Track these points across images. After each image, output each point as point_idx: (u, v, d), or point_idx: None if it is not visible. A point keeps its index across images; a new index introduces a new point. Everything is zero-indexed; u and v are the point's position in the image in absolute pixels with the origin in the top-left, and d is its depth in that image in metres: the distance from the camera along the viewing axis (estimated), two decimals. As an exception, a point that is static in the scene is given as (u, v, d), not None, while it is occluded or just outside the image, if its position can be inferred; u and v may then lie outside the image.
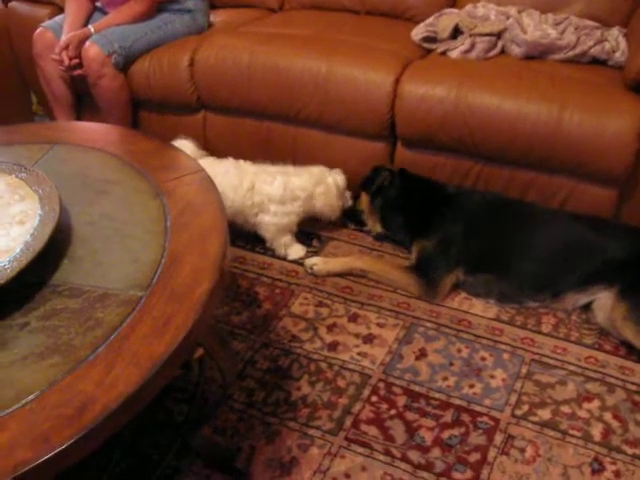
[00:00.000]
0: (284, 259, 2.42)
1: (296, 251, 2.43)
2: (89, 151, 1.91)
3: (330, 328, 2.10)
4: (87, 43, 2.66)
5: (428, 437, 1.74)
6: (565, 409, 1.82)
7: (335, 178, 2.42)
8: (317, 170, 2.42)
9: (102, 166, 1.83)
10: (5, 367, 1.21)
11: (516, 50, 2.41)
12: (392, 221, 2.42)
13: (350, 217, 2.56)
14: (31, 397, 1.14)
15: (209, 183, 1.69)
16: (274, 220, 2.38)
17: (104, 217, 1.61)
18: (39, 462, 1.03)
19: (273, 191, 2.35)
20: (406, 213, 2.39)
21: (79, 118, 3.03)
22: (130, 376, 1.17)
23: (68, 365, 1.20)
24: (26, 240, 1.44)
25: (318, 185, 2.37)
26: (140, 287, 1.37)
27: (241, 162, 2.45)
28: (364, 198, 2.49)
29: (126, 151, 1.90)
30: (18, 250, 1.40)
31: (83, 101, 2.99)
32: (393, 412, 1.81)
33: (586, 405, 1.83)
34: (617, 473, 1.65)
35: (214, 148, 2.68)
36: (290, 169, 2.43)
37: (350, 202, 2.51)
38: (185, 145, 2.38)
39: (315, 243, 2.50)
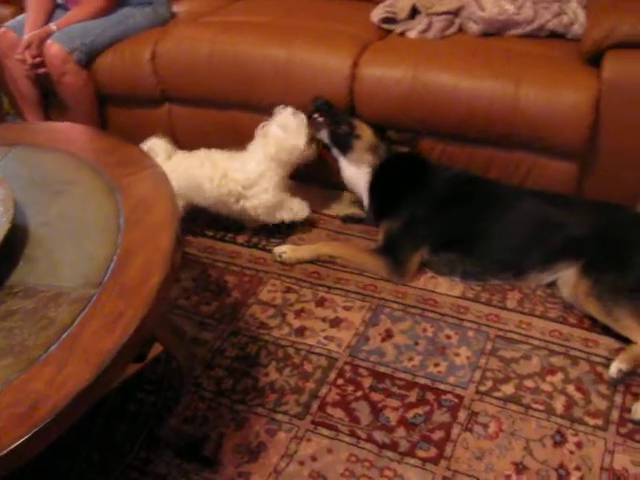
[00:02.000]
0: (254, 247, 2.44)
1: (300, 212, 2.43)
2: (47, 152, 1.93)
3: (298, 314, 2.12)
4: (48, 41, 2.67)
5: (393, 417, 1.77)
6: (529, 383, 1.85)
7: (280, 122, 2.33)
8: (275, 124, 2.35)
9: (60, 166, 1.85)
10: (-41, 369, 1.24)
11: (474, 27, 2.42)
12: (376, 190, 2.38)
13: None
14: (-17, 398, 1.16)
15: (162, 178, 1.71)
16: (255, 202, 2.37)
17: (60, 217, 1.63)
18: (-9, 460, 1.06)
19: (243, 177, 2.35)
20: (377, 193, 2.39)
21: (47, 116, 3.05)
22: (80, 373, 1.19)
23: (21, 365, 1.23)
24: (-20, 243, 1.46)
25: (268, 144, 2.33)
26: (92, 285, 1.39)
27: (212, 152, 2.44)
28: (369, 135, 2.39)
29: (83, 150, 1.92)
30: (-28, 253, 1.43)
31: (51, 99, 2.99)
32: (359, 394, 1.84)
33: (549, 378, 1.86)
34: (579, 444, 1.68)
35: (181, 140, 2.69)
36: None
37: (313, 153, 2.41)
38: (157, 144, 2.40)
39: (283, 230, 2.51)
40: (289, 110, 2.34)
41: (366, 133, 2.35)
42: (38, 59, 2.71)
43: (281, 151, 2.31)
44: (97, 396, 1.23)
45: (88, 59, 2.73)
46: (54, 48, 2.65)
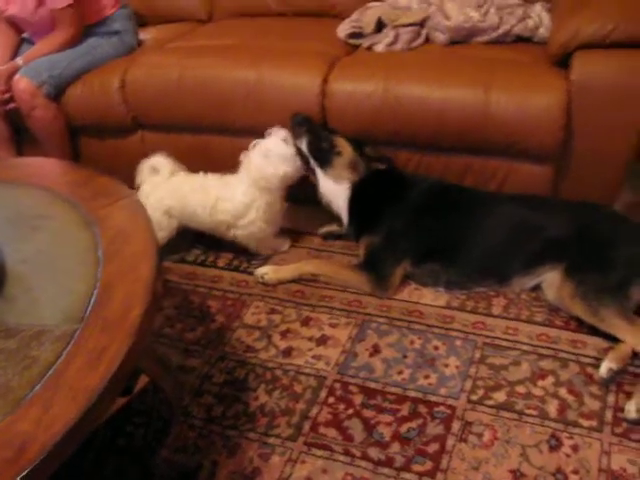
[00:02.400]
0: (235, 270, 2.42)
1: (282, 246, 2.49)
2: (21, 187, 1.90)
3: (284, 334, 2.11)
4: (16, 76, 2.66)
5: (387, 433, 1.76)
6: (520, 389, 1.84)
7: (263, 149, 2.31)
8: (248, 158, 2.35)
9: (34, 201, 1.82)
10: (-57, 415, 1.21)
11: (440, 37, 2.44)
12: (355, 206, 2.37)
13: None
14: (-31, 444, 1.14)
15: (139, 207, 1.70)
16: (246, 233, 2.38)
17: (37, 253, 1.60)
18: (-20, 509, 1.04)
19: (232, 207, 2.34)
20: (356, 209, 2.37)
21: (20, 152, 3.01)
22: (67, 412, 1.17)
23: (7, 407, 1.20)
24: (-44, 285, 1.43)
25: (250, 171, 2.32)
26: (74, 320, 1.36)
27: (208, 177, 2.43)
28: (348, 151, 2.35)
29: (57, 183, 1.90)
30: (-52, 296, 1.40)
31: (22, 135, 2.96)
32: (350, 411, 1.83)
33: (540, 383, 1.86)
34: (575, 447, 1.67)
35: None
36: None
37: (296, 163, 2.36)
38: (160, 161, 2.42)
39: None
40: (279, 134, 2.31)
41: (347, 150, 2.33)
42: (7, 95, 2.69)
43: (260, 179, 2.30)
44: (85, 433, 1.20)
45: (57, 92, 2.71)
46: (22, 83, 2.63)
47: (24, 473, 1.08)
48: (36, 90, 2.64)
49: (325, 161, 2.33)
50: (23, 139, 2.99)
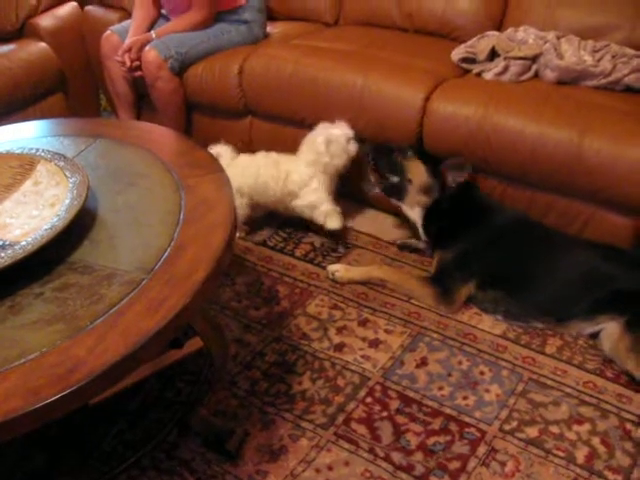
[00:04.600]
0: (310, 262, 2.53)
1: (332, 221, 2.56)
2: (127, 146, 2.06)
3: (340, 330, 2.19)
4: (147, 47, 2.85)
5: (413, 441, 1.81)
6: (554, 429, 1.85)
7: (327, 137, 2.49)
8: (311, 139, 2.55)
9: (135, 161, 1.98)
10: (17, 329, 1.37)
11: (549, 75, 2.44)
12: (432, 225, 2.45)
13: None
14: (32, 356, 1.28)
15: (226, 183, 1.82)
16: (305, 202, 2.57)
17: (127, 206, 1.75)
18: (27, 411, 1.18)
19: (299, 178, 2.54)
20: (432, 227, 2.45)
21: (139, 116, 3.24)
22: (118, 346, 1.30)
23: (69, 332, 1.34)
24: (52, 221, 1.60)
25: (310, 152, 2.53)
26: (145, 270, 1.50)
27: (272, 154, 2.64)
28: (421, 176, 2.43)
29: (160, 149, 2.04)
30: (43, 229, 1.56)
31: (144, 101, 3.19)
32: (384, 414, 1.89)
33: (576, 427, 1.86)
34: (594, 497, 1.68)
35: (258, 151, 2.81)
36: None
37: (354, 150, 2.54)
38: (223, 149, 2.60)
39: (340, 249, 2.60)
40: (344, 127, 2.51)
41: (417, 174, 2.40)
42: (136, 63, 2.90)
43: (317, 162, 2.51)
44: (129, 370, 1.34)
45: (181, 68, 2.90)
46: (151, 54, 2.83)
47: (70, 390, 1.22)
48: (162, 63, 2.83)
49: (399, 193, 2.46)
50: (144, 106, 3.22)
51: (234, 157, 2.63)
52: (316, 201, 2.54)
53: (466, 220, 2.34)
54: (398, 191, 2.46)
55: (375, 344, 2.14)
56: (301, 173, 2.54)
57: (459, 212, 2.38)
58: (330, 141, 2.48)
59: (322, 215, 2.56)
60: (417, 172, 2.41)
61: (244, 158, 2.64)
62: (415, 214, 2.46)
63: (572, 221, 2.31)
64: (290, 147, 2.77)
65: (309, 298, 2.34)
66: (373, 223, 2.73)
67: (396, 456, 1.77)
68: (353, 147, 2.52)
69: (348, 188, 2.70)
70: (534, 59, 2.48)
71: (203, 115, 3.07)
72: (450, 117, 2.36)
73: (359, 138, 2.52)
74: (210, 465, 1.76)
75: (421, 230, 2.46)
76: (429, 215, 2.42)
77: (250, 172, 2.58)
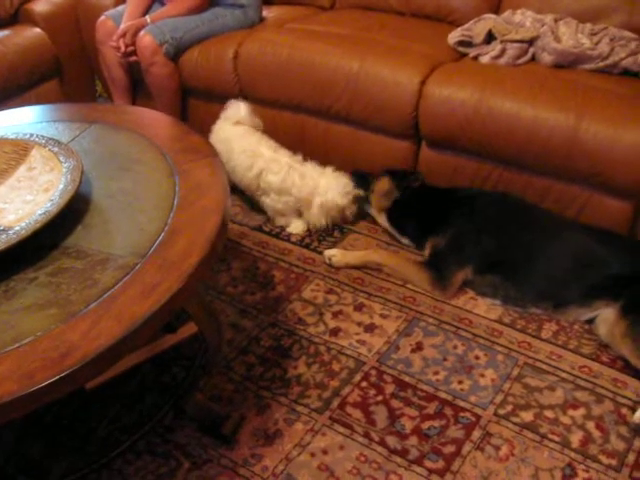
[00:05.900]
0: (305, 247, 2.53)
1: (295, 226, 2.62)
2: (122, 131, 2.06)
3: (335, 315, 2.20)
4: (142, 32, 2.84)
5: (408, 425, 1.82)
6: (549, 414, 1.86)
7: (333, 198, 2.53)
8: (324, 181, 2.54)
9: (130, 146, 1.97)
10: (11, 313, 1.37)
11: (546, 58, 2.43)
12: (405, 219, 2.51)
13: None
14: (26, 340, 1.29)
15: (220, 168, 1.81)
16: (272, 204, 2.60)
17: (121, 191, 1.75)
18: (22, 394, 1.18)
19: (275, 182, 2.54)
20: (422, 212, 2.46)
21: (134, 101, 3.23)
22: (112, 330, 1.30)
23: (62, 316, 1.34)
24: (46, 206, 1.59)
25: (314, 195, 2.53)
26: (138, 255, 1.49)
27: (264, 143, 2.63)
28: (383, 185, 2.56)
29: (155, 134, 2.03)
30: (37, 214, 1.56)
31: (139, 86, 3.17)
32: (379, 398, 1.90)
33: (571, 412, 1.86)
34: (588, 480, 1.69)
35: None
36: (306, 166, 2.59)
37: (352, 213, 2.64)
38: (241, 106, 2.68)
39: (336, 234, 2.60)
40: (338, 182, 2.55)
41: (379, 185, 2.56)
42: (130, 48, 2.89)
43: (320, 214, 2.57)
44: (123, 354, 1.34)
45: (176, 52, 2.89)
46: (146, 39, 2.82)
47: (64, 374, 1.22)
48: (157, 48, 2.82)
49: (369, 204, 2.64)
50: (139, 91, 3.20)
51: (249, 121, 2.68)
52: (283, 210, 2.60)
53: (454, 206, 2.36)
54: (369, 202, 2.61)
55: (370, 329, 2.14)
56: (278, 181, 2.54)
57: (419, 204, 2.48)
58: (327, 207, 2.54)
59: (283, 221, 2.65)
60: (379, 183, 2.56)
61: (239, 132, 2.65)
62: (382, 219, 2.59)
63: (569, 205, 2.31)
64: (283, 132, 2.78)
65: (305, 283, 2.34)
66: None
67: (391, 440, 1.78)
68: (350, 202, 2.58)
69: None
70: (531, 42, 2.46)
71: (198, 100, 3.06)
72: (446, 101, 2.36)
73: (357, 177, 2.61)
74: (206, 449, 1.76)
75: (394, 231, 2.55)
76: (392, 215, 2.54)
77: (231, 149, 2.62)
